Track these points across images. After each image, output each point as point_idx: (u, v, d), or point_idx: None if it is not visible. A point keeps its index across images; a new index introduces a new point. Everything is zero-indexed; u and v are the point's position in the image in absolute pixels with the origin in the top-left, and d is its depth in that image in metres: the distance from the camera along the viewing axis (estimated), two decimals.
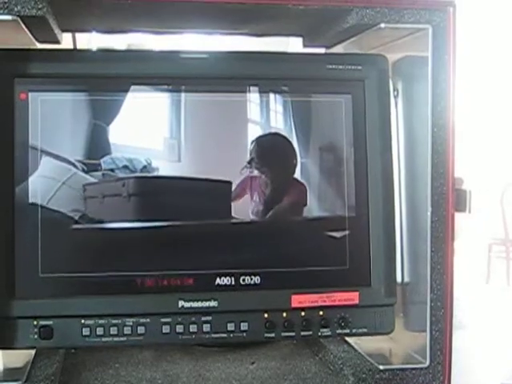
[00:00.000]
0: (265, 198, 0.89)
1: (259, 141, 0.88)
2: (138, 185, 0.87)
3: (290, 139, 0.89)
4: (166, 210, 0.87)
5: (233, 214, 0.89)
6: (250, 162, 0.88)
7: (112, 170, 0.85)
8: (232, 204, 0.88)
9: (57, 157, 0.83)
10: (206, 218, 0.88)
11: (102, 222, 0.85)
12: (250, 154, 0.88)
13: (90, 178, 0.84)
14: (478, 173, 6.57)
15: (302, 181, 0.89)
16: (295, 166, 0.89)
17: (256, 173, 0.88)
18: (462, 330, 1.20)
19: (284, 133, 0.90)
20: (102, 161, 0.85)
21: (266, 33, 0.99)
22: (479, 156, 6.94)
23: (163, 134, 0.88)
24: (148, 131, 0.88)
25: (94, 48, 0.96)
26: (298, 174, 0.89)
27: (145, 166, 0.86)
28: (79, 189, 0.84)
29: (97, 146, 0.85)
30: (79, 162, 0.84)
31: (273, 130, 0.90)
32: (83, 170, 0.84)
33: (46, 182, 0.83)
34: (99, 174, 0.85)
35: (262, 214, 0.89)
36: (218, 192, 0.89)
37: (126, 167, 0.86)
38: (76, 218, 0.84)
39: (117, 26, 0.99)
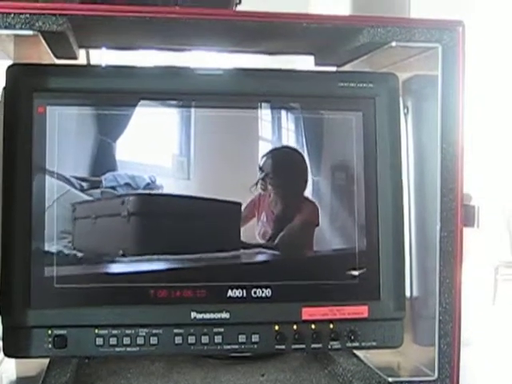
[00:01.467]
0: (274, 217, 0.89)
1: (272, 154, 0.89)
2: (140, 203, 0.86)
3: (301, 156, 0.89)
4: (170, 232, 0.87)
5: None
6: (263, 179, 0.87)
7: (113, 188, 0.85)
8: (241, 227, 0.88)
9: (51, 173, 0.83)
10: (215, 241, 0.88)
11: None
12: (262, 170, 0.87)
13: (84, 196, 0.84)
14: (486, 194, 6.56)
15: (313, 199, 0.89)
16: (306, 182, 0.89)
17: (269, 188, 0.88)
18: (468, 346, 1.21)
19: (291, 149, 0.90)
20: (103, 178, 0.84)
21: (278, 51, 1.00)
22: (487, 175, 6.92)
23: (172, 151, 0.88)
24: (156, 148, 0.88)
25: (107, 64, 0.97)
26: (309, 192, 0.89)
27: (148, 184, 0.85)
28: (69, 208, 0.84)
29: (101, 162, 0.85)
30: (78, 178, 0.84)
31: (285, 145, 0.89)
32: (81, 188, 0.84)
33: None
34: (98, 191, 0.84)
35: (272, 234, 0.89)
36: (227, 214, 0.89)
37: (127, 185, 0.85)
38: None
39: (131, 43, 1.01)
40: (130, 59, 1.23)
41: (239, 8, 1.01)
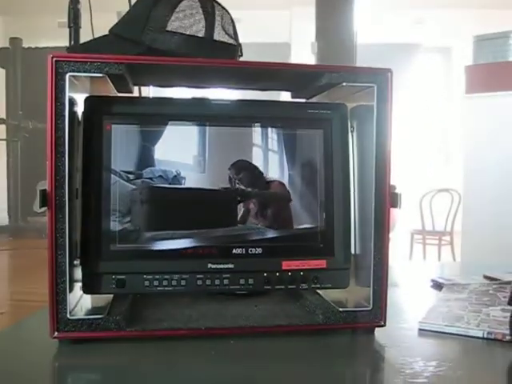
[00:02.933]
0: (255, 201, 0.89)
1: (235, 165, 0.88)
2: (169, 195, 0.86)
3: (280, 162, 0.89)
4: (193, 213, 0.88)
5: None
6: (239, 179, 0.88)
7: (150, 179, 0.84)
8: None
9: (114, 170, 0.84)
10: (221, 219, 0.88)
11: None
12: (231, 176, 0.88)
13: (129, 186, 0.84)
14: (406, 184, 6.56)
15: (289, 188, 0.89)
16: (262, 176, 0.89)
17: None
18: (395, 287, 1.21)
19: (276, 156, 0.89)
20: (143, 171, 0.84)
21: (267, 88, 1.00)
22: (406, 172, 6.92)
23: (193, 153, 0.87)
24: (182, 151, 0.87)
25: (151, 96, 0.97)
26: (285, 181, 0.89)
27: (175, 176, 0.85)
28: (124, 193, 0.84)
29: (143, 161, 0.85)
30: (126, 172, 0.84)
31: (241, 157, 0.88)
32: (128, 179, 0.84)
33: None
34: (139, 181, 0.84)
35: (261, 212, 0.89)
36: (228, 199, 0.89)
37: (160, 176, 0.85)
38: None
39: (169, 83, 1.00)
40: (168, 93, 1.23)
41: (242, 59, 1.00)
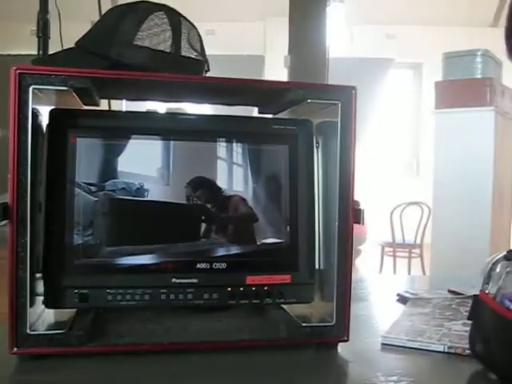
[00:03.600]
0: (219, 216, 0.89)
1: (190, 183, 0.88)
2: (131, 207, 0.86)
3: (245, 177, 0.89)
4: (158, 226, 0.87)
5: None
6: (189, 198, 0.87)
7: (113, 191, 0.84)
8: None
9: (77, 183, 0.83)
10: (186, 234, 0.88)
11: None
12: (187, 193, 0.87)
13: (92, 198, 0.83)
14: (377, 197, 6.64)
15: (253, 203, 0.89)
16: (218, 192, 0.89)
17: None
18: (362, 301, 1.22)
19: (240, 171, 0.90)
20: (106, 184, 0.84)
21: (234, 103, 1.00)
22: (377, 185, 6.99)
23: (157, 165, 0.87)
24: (146, 164, 0.87)
25: (124, 109, 0.96)
26: (249, 197, 0.89)
27: (138, 188, 0.85)
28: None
29: (105, 173, 0.84)
30: (88, 184, 0.83)
31: (205, 171, 0.88)
32: (90, 191, 0.83)
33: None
34: (101, 193, 0.84)
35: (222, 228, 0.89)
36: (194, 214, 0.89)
37: (123, 189, 0.84)
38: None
39: (138, 96, 1.00)
40: (142, 106, 1.23)
41: (213, 72, 1.01)
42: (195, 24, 0.96)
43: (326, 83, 0.97)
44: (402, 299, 1.22)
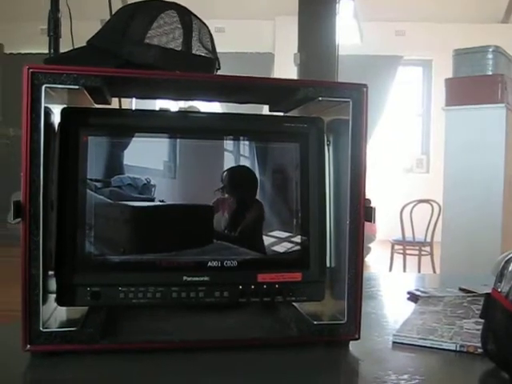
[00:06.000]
0: (232, 215, 0.88)
1: (229, 171, 0.88)
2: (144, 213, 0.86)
3: (254, 172, 0.89)
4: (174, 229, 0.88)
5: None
6: (222, 188, 0.87)
7: (119, 187, 0.84)
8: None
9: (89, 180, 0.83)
10: (197, 236, 0.88)
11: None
12: (223, 182, 0.87)
13: (95, 195, 0.83)
14: (387, 195, 6.62)
15: (262, 201, 0.89)
16: (256, 190, 0.88)
17: (226, 195, 0.87)
18: (373, 299, 1.22)
19: (250, 167, 0.89)
20: (112, 179, 0.84)
21: (245, 101, 1.00)
22: (388, 183, 6.97)
23: (163, 159, 0.87)
24: (154, 161, 0.87)
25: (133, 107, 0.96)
26: (259, 196, 0.89)
27: (145, 184, 0.84)
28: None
29: (112, 168, 0.84)
30: (94, 180, 0.83)
31: (241, 164, 0.89)
32: (95, 187, 0.83)
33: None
34: (107, 190, 0.84)
35: (231, 227, 0.88)
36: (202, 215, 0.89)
37: (130, 185, 0.84)
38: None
39: (148, 95, 1.00)
40: (151, 104, 1.23)
41: (223, 70, 1.01)
42: (206, 22, 0.96)
43: (336, 81, 0.97)
44: (413, 297, 1.22)
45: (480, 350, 0.82)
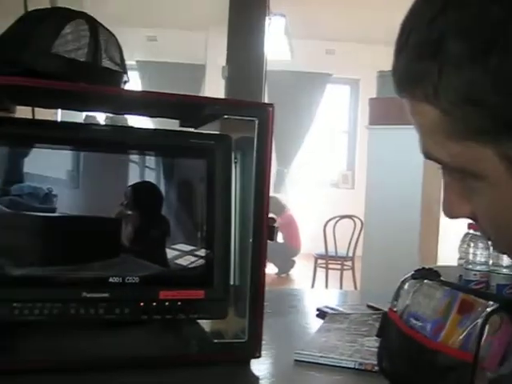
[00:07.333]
0: (135, 230, 0.87)
1: (133, 188, 0.86)
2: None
3: (160, 187, 0.88)
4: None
5: None
6: (125, 205, 0.86)
7: (19, 196, 0.81)
8: None
9: None
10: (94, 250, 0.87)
11: None
12: (126, 199, 0.86)
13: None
14: (313, 211, 6.73)
15: (168, 217, 0.88)
16: (160, 205, 0.88)
17: (130, 212, 0.86)
18: (281, 316, 1.22)
19: (155, 182, 0.88)
20: (12, 188, 0.81)
21: (155, 115, 0.99)
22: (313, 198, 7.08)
23: (66, 168, 0.85)
24: (56, 166, 0.84)
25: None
26: (164, 211, 0.88)
27: (46, 194, 0.82)
28: None
29: (12, 177, 0.82)
30: None
31: (145, 179, 0.88)
32: None
33: None
34: (7, 198, 0.80)
35: (134, 241, 0.87)
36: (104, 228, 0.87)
37: (30, 194, 0.81)
38: None
39: (54, 105, 0.98)
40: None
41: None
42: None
43: (244, 99, 0.98)
44: (322, 314, 1.24)
45: (377, 368, 0.84)
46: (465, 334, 0.67)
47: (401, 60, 0.51)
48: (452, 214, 0.56)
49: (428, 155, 0.54)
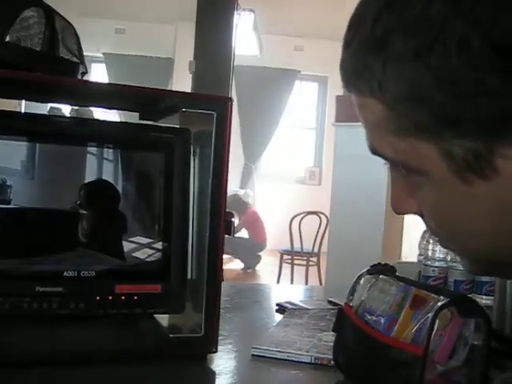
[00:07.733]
0: (91, 225, 0.87)
1: (87, 186, 0.86)
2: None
3: (116, 183, 0.87)
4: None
5: None
6: (80, 204, 0.85)
7: None
8: None
9: None
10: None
11: None
12: (79, 198, 0.85)
13: None
14: (279, 207, 6.75)
15: (124, 212, 0.87)
16: (117, 203, 0.87)
17: (83, 212, 0.85)
18: (241, 311, 1.22)
19: (111, 177, 0.87)
20: None
21: (114, 107, 0.98)
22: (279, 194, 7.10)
23: (21, 158, 0.83)
24: (9, 156, 0.83)
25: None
26: (122, 204, 0.87)
27: (0, 184, 0.80)
28: None
29: None
30: None
31: (100, 177, 0.86)
32: None
33: None
34: None
35: (90, 235, 0.87)
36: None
37: None
38: None
39: (10, 95, 0.96)
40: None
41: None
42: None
43: (203, 93, 0.98)
44: (281, 309, 1.24)
45: (333, 363, 0.85)
46: (416, 328, 0.68)
47: (347, 55, 0.52)
48: (399, 210, 0.56)
49: (374, 151, 0.54)
